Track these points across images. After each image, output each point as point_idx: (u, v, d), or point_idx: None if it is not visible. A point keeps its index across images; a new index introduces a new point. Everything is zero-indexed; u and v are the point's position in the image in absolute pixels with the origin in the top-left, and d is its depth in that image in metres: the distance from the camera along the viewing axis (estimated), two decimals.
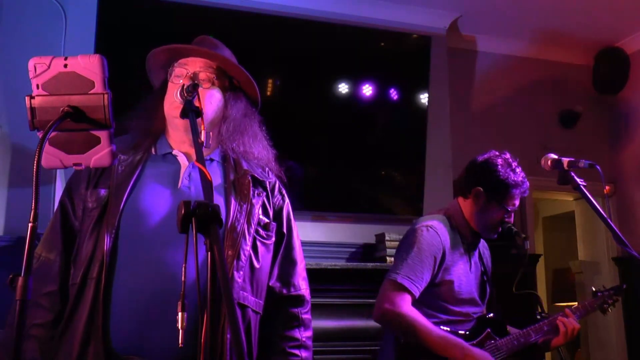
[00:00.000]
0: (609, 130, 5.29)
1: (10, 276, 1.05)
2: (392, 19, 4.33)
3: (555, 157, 1.97)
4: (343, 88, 4.13)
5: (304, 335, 1.62)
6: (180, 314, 1.10)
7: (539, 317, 2.56)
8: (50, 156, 1.16)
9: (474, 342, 2.17)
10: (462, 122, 4.74)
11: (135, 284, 1.41)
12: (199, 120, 1.33)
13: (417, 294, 2.09)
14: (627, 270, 4.89)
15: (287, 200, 1.70)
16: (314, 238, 3.90)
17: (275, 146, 1.72)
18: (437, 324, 2.13)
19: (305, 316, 1.65)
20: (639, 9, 4.56)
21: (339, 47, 4.15)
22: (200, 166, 1.19)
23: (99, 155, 1.17)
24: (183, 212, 1.06)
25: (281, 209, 1.66)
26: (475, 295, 2.26)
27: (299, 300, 1.65)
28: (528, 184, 2.27)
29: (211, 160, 1.61)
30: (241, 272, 1.47)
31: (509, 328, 2.31)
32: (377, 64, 4.26)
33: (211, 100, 1.58)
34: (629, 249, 1.76)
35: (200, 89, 1.48)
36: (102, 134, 1.16)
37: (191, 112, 1.32)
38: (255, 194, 1.57)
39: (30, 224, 1.02)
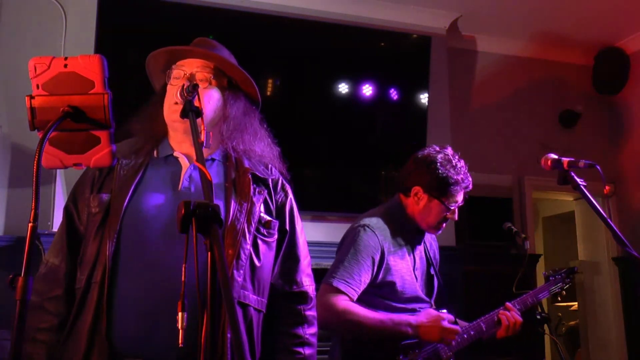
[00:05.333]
0: (609, 130, 5.29)
1: (10, 276, 1.05)
2: (392, 19, 4.33)
3: (555, 157, 1.95)
4: (343, 88, 4.13)
5: (307, 332, 1.60)
6: (180, 313, 1.09)
7: (539, 317, 2.54)
8: (50, 156, 1.16)
9: None
10: (462, 122, 4.73)
11: (137, 287, 1.41)
12: (198, 120, 1.33)
13: (354, 296, 2.02)
14: (627, 270, 4.89)
15: (290, 196, 1.69)
16: (314, 238, 3.89)
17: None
18: None
19: (308, 312, 1.62)
20: (639, 9, 4.56)
21: (339, 47, 4.15)
22: (200, 166, 1.18)
23: (99, 155, 1.17)
24: (183, 212, 1.05)
25: (283, 205, 1.65)
26: (421, 293, 2.18)
27: (302, 297, 1.63)
28: (470, 179, 2.18)
29: (212, 160, 1.60)
30: (241, 271, 1.47)
31: (458, 322, 2.21)
32: (377, 64, 4.26)
33: (210, 100, 1.57)
34: (629, 249, 1.75)
35: (199, 89, 1.49)
36: (102, 134, 1.16)
37: (191, 112, 1.32)
38: (256, 192, 1.57)
39: (30, 224, 1.02)
